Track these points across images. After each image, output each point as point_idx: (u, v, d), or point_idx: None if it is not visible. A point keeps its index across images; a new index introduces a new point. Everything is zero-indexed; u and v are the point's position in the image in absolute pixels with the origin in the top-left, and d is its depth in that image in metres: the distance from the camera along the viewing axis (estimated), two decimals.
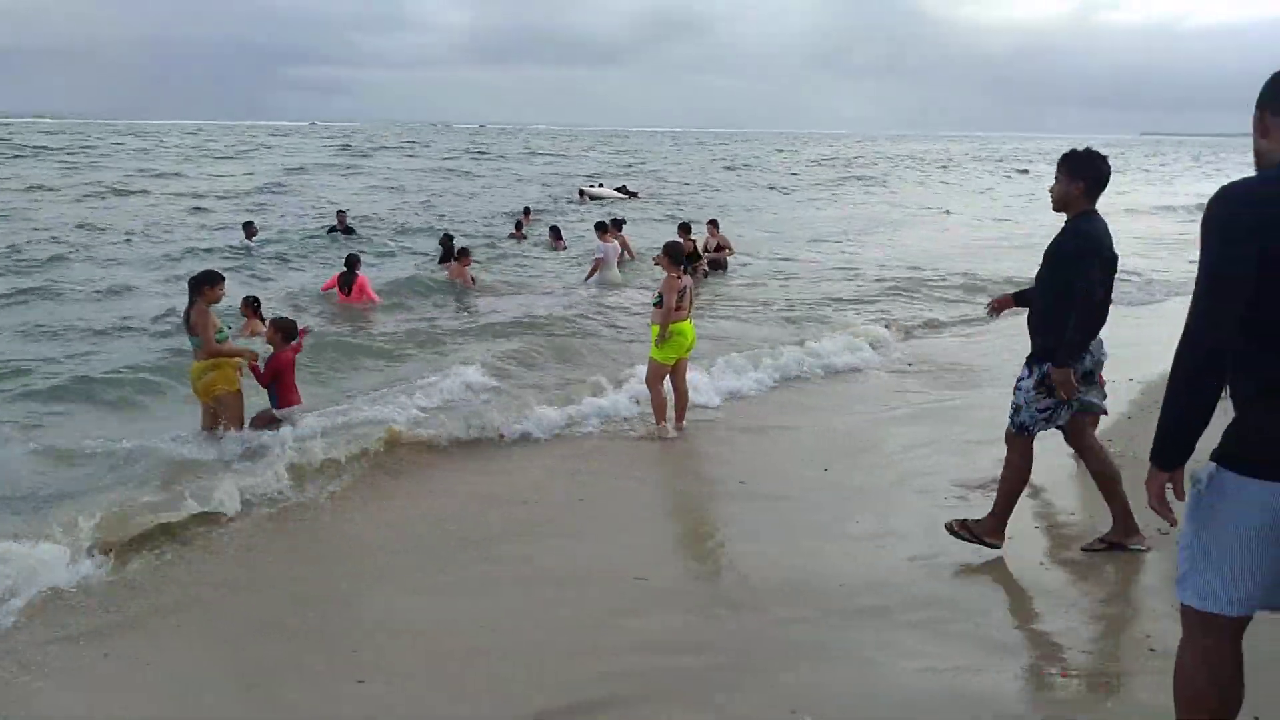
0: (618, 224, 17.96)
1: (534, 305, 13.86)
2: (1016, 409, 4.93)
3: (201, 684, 4.02)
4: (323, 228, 21.67)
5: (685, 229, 16.06)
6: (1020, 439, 4.95)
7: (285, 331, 7.53)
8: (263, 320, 10.08)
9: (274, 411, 7.41)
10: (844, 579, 4.90)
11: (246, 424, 7.33)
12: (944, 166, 64.60)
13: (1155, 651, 3.78)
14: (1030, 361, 4.88)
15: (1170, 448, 2.55)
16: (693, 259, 16.70)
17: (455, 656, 4.23)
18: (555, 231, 20.38)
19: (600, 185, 34.59)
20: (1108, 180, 4.75)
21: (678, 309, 7.92)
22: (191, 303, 7.26)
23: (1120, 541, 4.96)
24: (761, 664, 4.02)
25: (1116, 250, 4.74)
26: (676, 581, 5.12)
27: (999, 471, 5.11)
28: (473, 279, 15.41)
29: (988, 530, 5.00)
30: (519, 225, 22.42)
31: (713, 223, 18.29)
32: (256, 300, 10.95)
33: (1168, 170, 65.22)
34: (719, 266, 17.05)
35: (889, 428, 8.02)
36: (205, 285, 7.27)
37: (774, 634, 4.29)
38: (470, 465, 7.18)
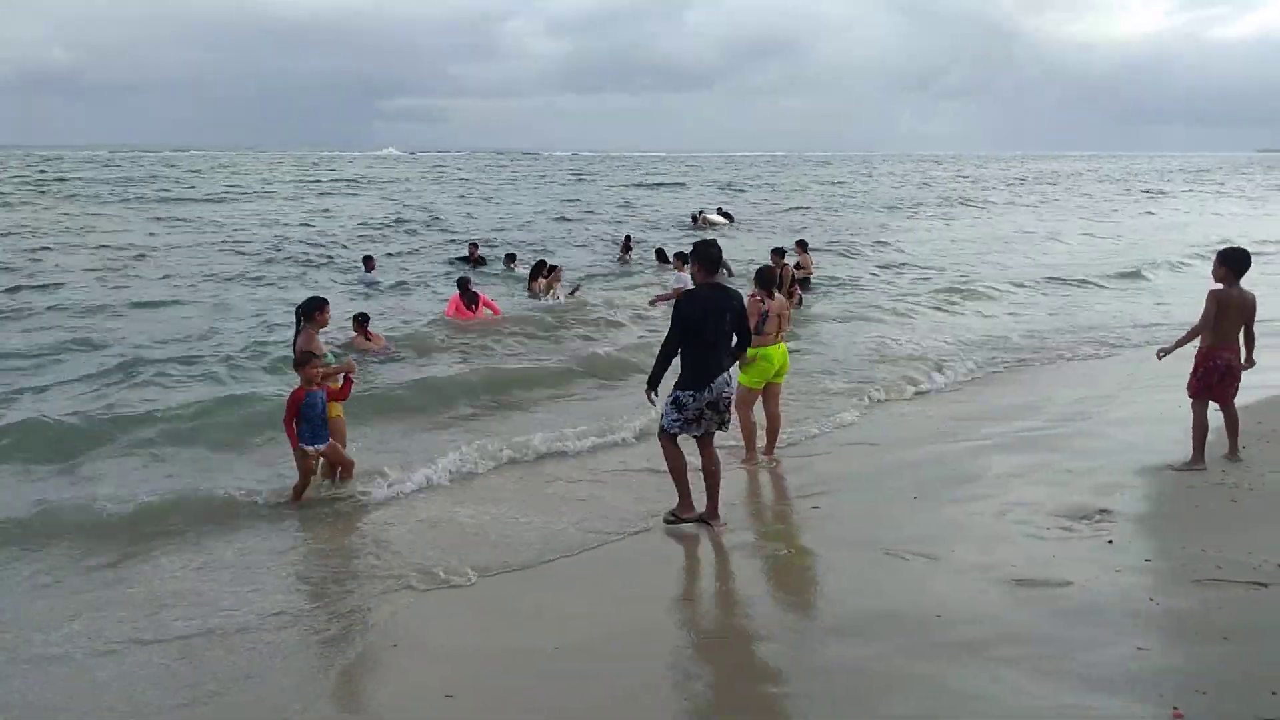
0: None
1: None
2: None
3: None
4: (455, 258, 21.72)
5: (779, 253, 16.11)
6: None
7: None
8: (368, 336, 11.92)
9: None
10: (940, 609, 4.78)
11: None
12: (1059, 186, 62.49)
13: (1276, 695, 3.58)
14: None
15: None
16: (804, 283, 16.79)
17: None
18: (660, 254, 20.52)
19: (718, 210, 34.52)
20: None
21: (762, 333, 7.87)
22: (300, 329, 7.50)
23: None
24: (850, 697, 3.94)
25: None
26: (766, 606, 5.07)
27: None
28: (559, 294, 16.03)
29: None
30: (627, 248, 22.83)
31: (800, 244, 18.24)
32: (365, 317, 12.26)
33: None
34: (804, 288, 17.03)
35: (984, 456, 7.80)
36: (315, 311, 7.54)
37: (864, 666, 4.21)
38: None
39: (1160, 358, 7.14)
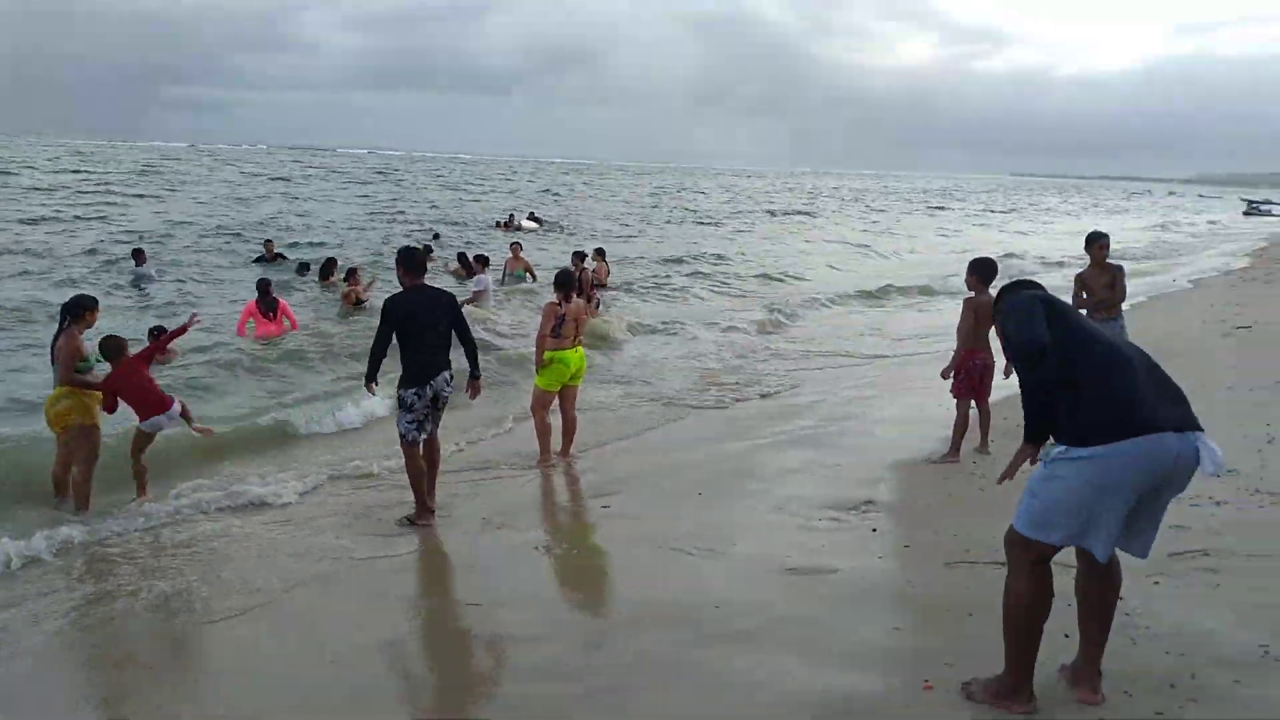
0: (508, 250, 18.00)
1: None
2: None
3: None
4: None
5: (579, 257, 16.33)
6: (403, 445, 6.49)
7: (111, 350, 6.96)
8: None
9: (140, 427, 6.98)
10: (719, 600, 4.97)
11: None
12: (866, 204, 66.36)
13: None
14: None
15: None
16: (600, 289, 17.01)
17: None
18: (462, 258, 19.20)
19: (530, 216, 34.60)
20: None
21: (560, 336, 7.93)
22: (62, 328, 6.86)
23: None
24: (637, 690, 4.03)
25: None
26: (554, 606, 5.11)
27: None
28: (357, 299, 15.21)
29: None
30: (428, 250, 22.36)
31: (598, 251, 18.54)
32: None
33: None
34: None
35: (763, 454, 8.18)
36: (84, 310, 6.92)
37: (650, 659, 4.31)
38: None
39: (946, 377, 7.65)
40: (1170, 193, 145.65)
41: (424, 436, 6.61)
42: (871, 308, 19.33)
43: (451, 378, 6.68)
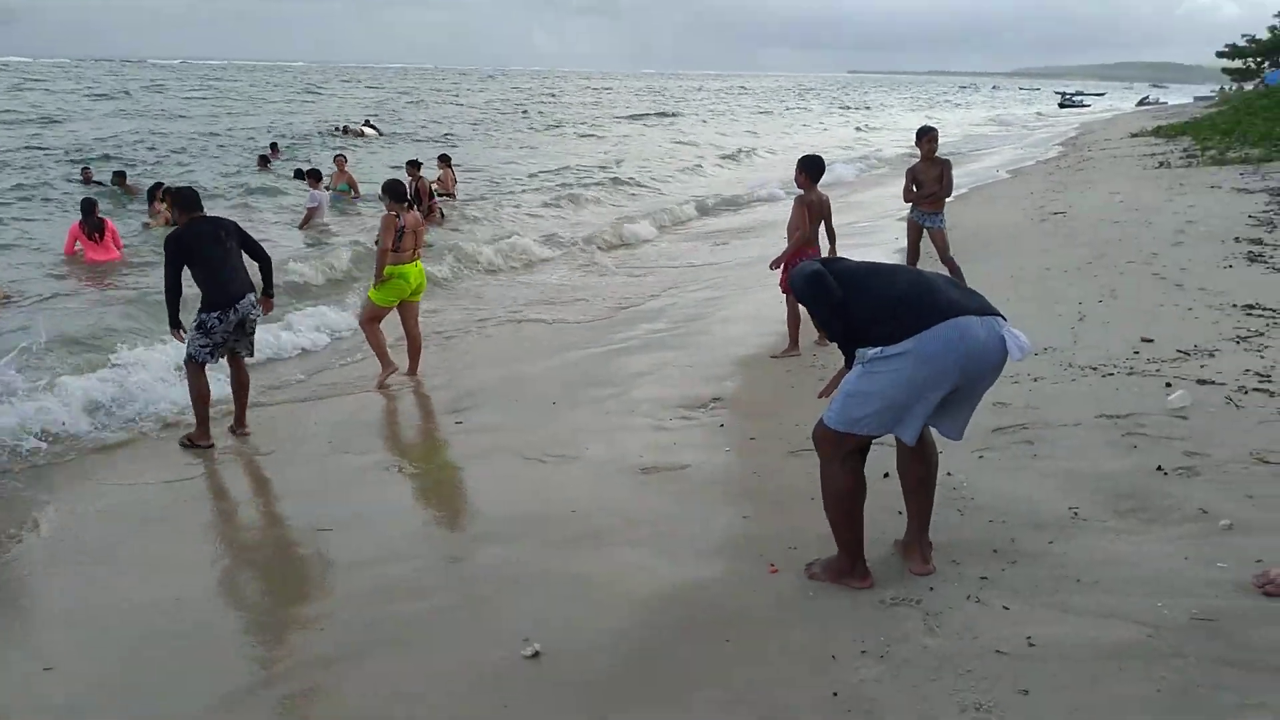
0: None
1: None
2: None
3: None
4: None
5: (415, 166, 15.68)
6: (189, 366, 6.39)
7: None
8: None
9: None
10: (575, 505, 5.01)
11: None
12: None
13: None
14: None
15: None
16: (447, 198, 16.42)
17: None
18: (312, 174, 16.64)
19: (366, 122, 33.07)
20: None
21: (399, 249, 7.67)
22: None
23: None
24: (493, 599, 4.05)
25: None
26: (405, 525, 5.05)
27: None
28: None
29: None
30: (264, 160, 21.78)
31: (442, 158, 17.91)
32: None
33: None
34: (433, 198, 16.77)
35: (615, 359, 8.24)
36: None
37: (505, 569, 4.32)
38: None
39: (773, 269, 7.80)
40: (994, 87, 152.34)
41: (217, 359, 6.48)
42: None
43: (257, 300, 6.57)
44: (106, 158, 22.68)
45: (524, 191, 20.28)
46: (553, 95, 68.85)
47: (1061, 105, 75.44)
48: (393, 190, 7.77)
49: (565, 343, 8.97)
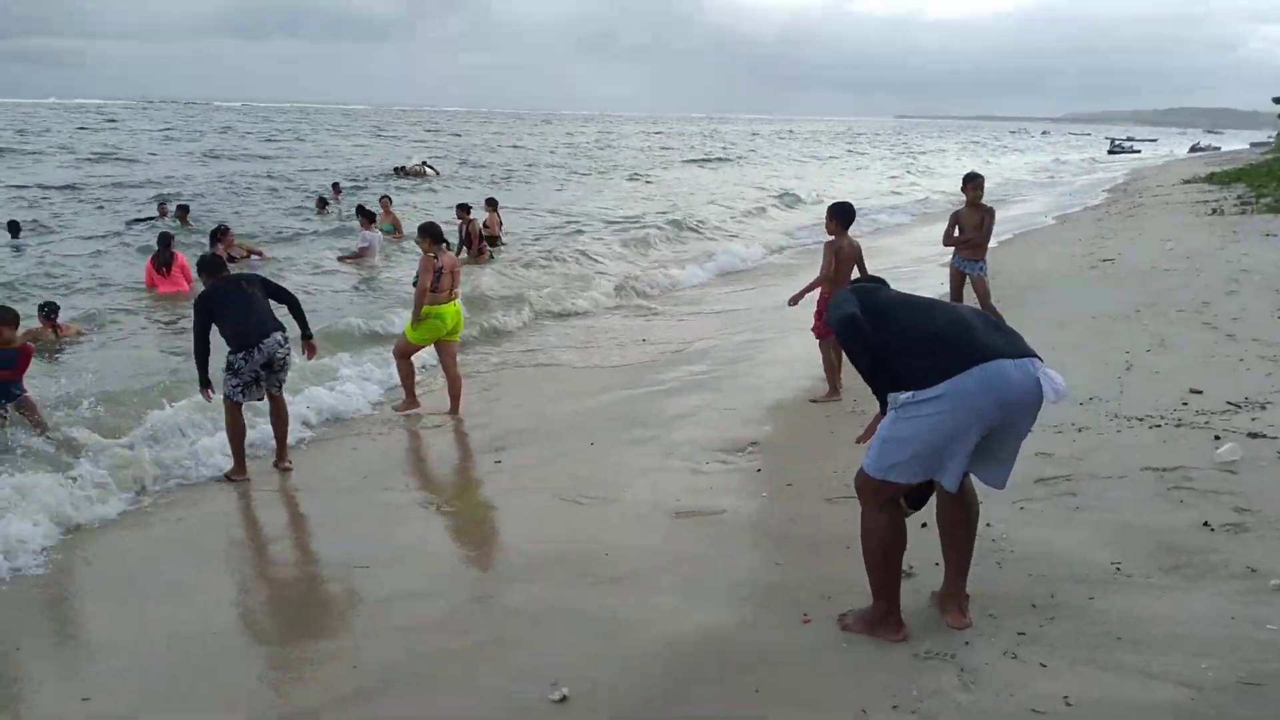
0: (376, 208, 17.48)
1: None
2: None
3: None
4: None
5: (464, 209, 16.00)
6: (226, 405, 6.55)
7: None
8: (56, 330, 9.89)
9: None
10: (609, 547, 5.01)
11: None
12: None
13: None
14: None
15: None
16: (493, 241, 16.66)
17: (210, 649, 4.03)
18: (366, 214, 16.57)
19: (424, 163, 33.64)
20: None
21: (436, 290, 7.80)
22: None
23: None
24: (523, 640, 4.05)
25: None
26: (440, 562, 5.08)
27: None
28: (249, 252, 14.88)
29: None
30: (323, 202, 21.91)
31: (490, 201, 18.17)
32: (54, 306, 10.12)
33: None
34: (494, 244, 17.02)
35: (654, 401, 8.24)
36: None
37: (536, 609, 4.32)
38: None
39: (792, 305, 7.85)
40: (1044, 132, 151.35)
41: (250, 399, 6.65)
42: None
43: (286, 340, 6.73)
44: (179, 194, 23.28)
45: (584, 235, 20.42)
46: (609, 139, 69.41)
47: (1110, 151, 74.73)
48: (430, 232, 7.94)
49: (607, 384, 8.99)
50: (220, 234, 13.86)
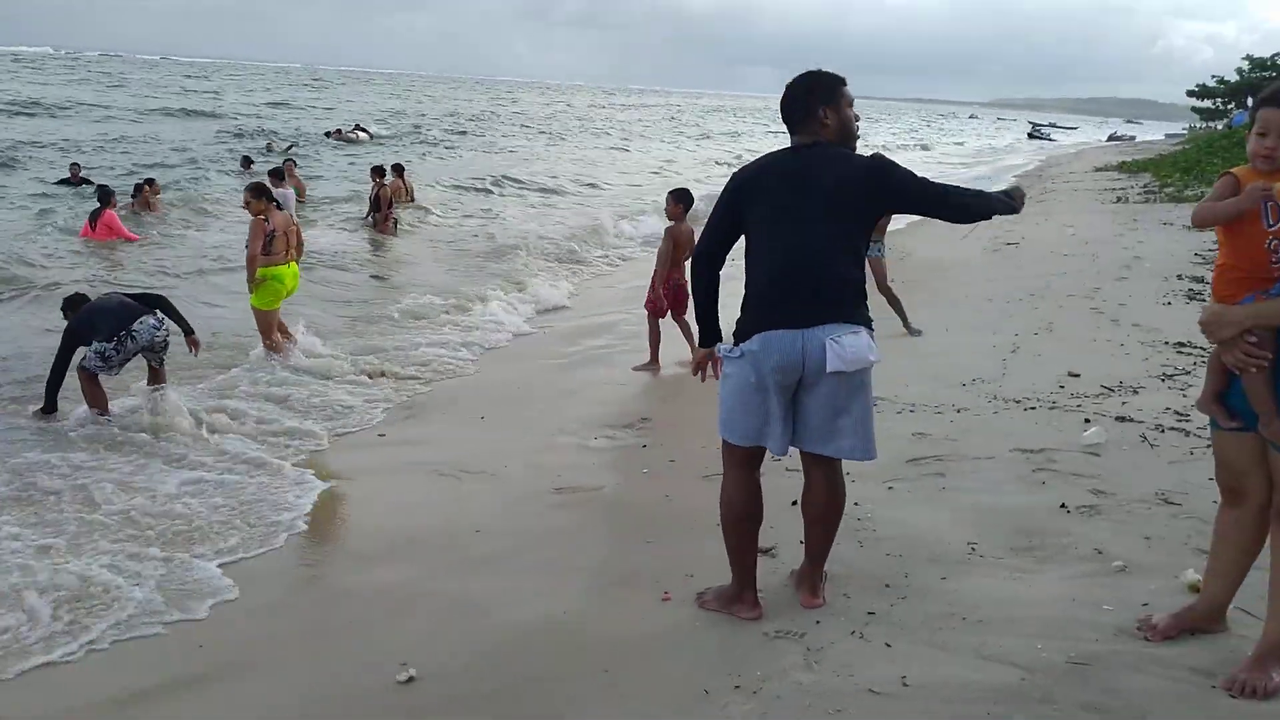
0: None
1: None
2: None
3: None
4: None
5: (378, 172, 15.86)
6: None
7: None
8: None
9: None
10: (481, 525, 4.93)
11: None
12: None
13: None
14: None
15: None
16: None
17: None
18: (277, 173, 16.44)
19: (357, 127, 33.65)
20: None
21: (270, 253, 7.67)
22: None
23: None
24: (380, 622, 3.95)
25: None
26: (307, 542, 4.94)
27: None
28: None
29: None
30: (248, 161, 21.79)
31: (396, 167, 17.89)
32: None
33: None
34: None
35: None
36: None
37: (396, 591, 4.22)
38: None
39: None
40: (972, 116, 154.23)
41: (114, 373, 6.66)
42: None
43: (161, 324, 6.67)
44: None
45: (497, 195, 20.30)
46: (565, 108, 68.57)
47: (1030, 136, 76.59)
48: (258, 190, 7.91)
49: (504, 356, 8.89)
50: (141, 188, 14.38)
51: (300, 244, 8.25)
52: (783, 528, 4.22)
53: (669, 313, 7.99)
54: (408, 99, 67.58)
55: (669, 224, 7.95)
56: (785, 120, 3.61)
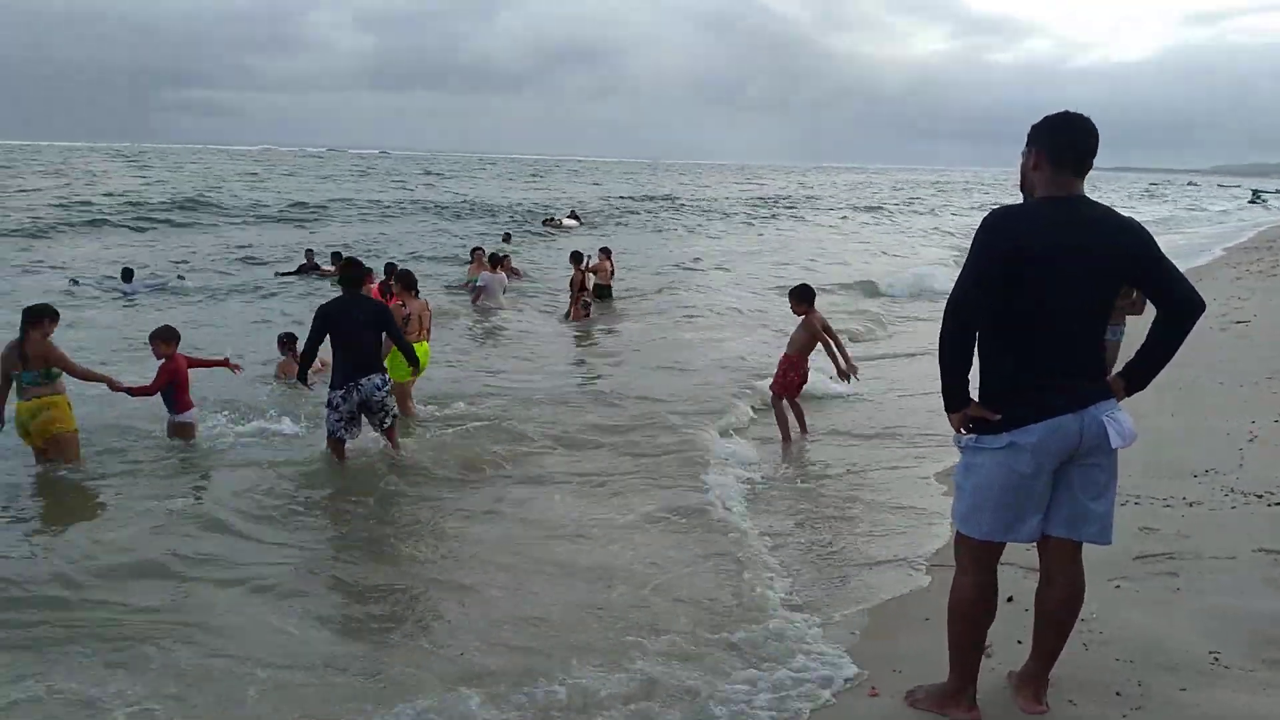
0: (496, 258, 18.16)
1: None
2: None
3: None
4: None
5: (576, 259, 16.43)
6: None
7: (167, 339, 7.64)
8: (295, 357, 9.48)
9: (175, 418, 7.66)
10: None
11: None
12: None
13: None
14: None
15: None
16: (601, 292, 17.11)
17: None
18: (493, 259, 18.05)
19: (570, 214, 35.72)
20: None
21: (405, 333, 8.37)
22: (26, 336, 6.89)
23: None
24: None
25: None
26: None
27: None
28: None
29: None
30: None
31: (603, 250, 18.51)
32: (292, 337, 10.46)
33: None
34: (604, 295, 17.43)
35: None
36: (47, 319, 7.03)
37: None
38: None
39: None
40: (1190, 183, 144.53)
41: (350, 437, 7.32)
42: None
43: (385, 383, 7.31)
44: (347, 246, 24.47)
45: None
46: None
47: (1250, 202, 71.34)
48: (402, 279, 9.30)
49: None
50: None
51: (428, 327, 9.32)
52: (996, 624, 4.02)
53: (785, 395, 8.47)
54: (605, 183, 70.17)
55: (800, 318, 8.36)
56: (1075, 160, 3.22)
